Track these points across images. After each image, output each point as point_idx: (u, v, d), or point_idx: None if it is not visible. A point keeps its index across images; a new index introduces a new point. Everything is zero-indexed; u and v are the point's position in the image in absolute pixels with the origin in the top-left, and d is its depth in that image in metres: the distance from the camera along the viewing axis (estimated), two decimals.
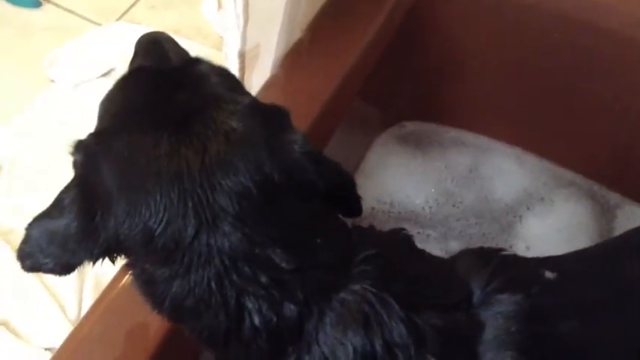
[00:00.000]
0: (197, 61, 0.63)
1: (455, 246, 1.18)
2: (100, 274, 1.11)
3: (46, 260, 0.56)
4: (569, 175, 1.28)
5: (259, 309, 0.54)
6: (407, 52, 1.21)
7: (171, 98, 0.57)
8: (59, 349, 0.71)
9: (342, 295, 0.56)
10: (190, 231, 0.52)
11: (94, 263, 0.56)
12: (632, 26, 1.05)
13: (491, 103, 1.28)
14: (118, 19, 1.58)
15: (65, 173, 1.32)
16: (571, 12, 1.08)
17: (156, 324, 0.70)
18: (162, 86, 0.58)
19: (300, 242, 0.56)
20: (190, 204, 0.52)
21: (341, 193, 0.63)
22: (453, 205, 1.23)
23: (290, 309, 0.54)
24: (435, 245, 1.17)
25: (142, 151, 0.53)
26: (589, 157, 1.24)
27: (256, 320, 0.54)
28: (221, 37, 1.51)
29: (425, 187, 1.24)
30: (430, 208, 1.22)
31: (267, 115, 0.58)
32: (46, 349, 1.05)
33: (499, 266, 0.64)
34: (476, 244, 1.18)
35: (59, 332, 1.06)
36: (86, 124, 1.35)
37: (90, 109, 1.44)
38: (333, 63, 1.02)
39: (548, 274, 0.65)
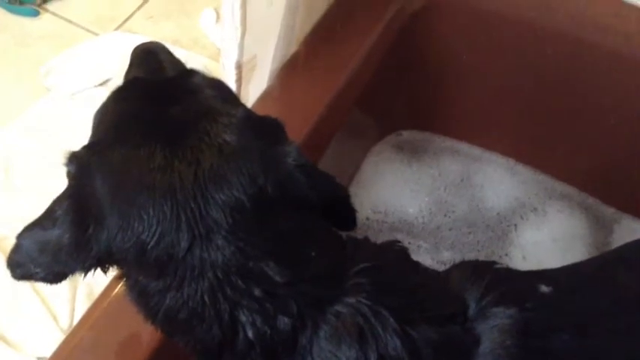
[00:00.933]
0: (191, 72, 0.63)
1: (448, 256, 1.19)
2: (93, 283, 1.11)
3: (37, 270, 0.56)
4: (562, 187, 1.29)
5: (253, 322, 0.54)
6: (404, 62, 1.22)
7: (165, 111, 0.57)
8: (50, 357, 0.70)
9: (337, 308, 0.56)
10: (184, 245, 0.52)
11: (85, 274, 0.56)
12: (626, 44, 1.06)
13: (486, 114, 1.29)
14: (116, 29, 1.58)
15: (60, 182, 1.32)
16: (566, 29, 1.09)
17: (148, 333, 0.70)
18: (157, 99, 0.59)
19: (294, 255, 0.56)
20: (184, 218, 0.52)
21: (335, 206, 0.63)
22: (445, 215, 1.23)
23: (284, 322, 0.54)
24: (427, 256, 1.18)
25: (135, 165, 0.53)
26: (583, 170, 1.25)
27: (250, 333, 0.54)
28: (218, 49, 1.52)
29: (419, 195, 1.25)
30: (423, 217, 1.23)
31: (261, 128, 0.58)
32: (38, 358, 1.05)
33: (494, 279, 0.64)
34: (470, 252, 1.19)
35: (51, 341, 1.05)
36: (82, 133, 1.35)
37: (86, 119, 1.44)
38: (330, 75, 1.03)
39: (544, 288, 0.65)
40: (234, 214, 0.52)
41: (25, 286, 1.10)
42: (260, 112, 0.85)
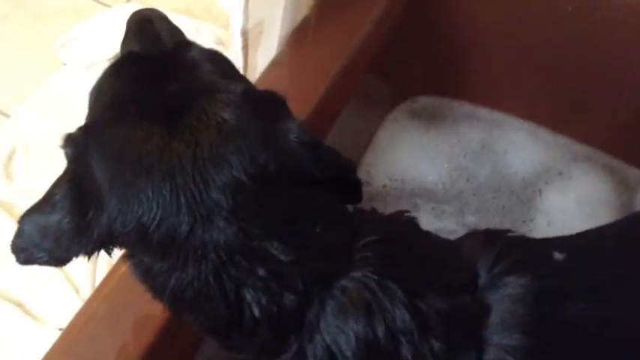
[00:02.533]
0: (188, 45, 0.62)
1: (473, 220, 1.17)
2: (113, 255, 1.12)
3: (41, 254, 0.56)
4: (585, 150, 1.25)
5: (259, 301, 0.53)
6: (418, 25, 1.18)
7: (163, 88, 0.56)
8: (66, 327, 0.71)
9: (343, 283, 0.55)
10: (185, 227, 0.51)
11: (89, 257, 0.56)
12: None
13: (505, 77, 1.25)
14: (129, 0, 1.57)
15: None
16: None
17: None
18: (153, 75, 0.57)
19: (298, 233, 0.55)
20: (183, 200, 0.51)
21: (340, 179, 0.62)
22: (467, 180, 1.21)
23: (290, 299, 0.54)
24: (452, 220, 1.16)
25: (132, 146, 0.52)
26: (607, 131, 1.21)
27: (256, 312, 0.53)
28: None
29: (438, 162, 1.23)
30: (444, 184, 1.21)
31: (261, 104, 0.57)
32: (60, 330, 1.07)
33: (506, 248, 0.62)
34: (494, 217, 1.17)
35: (72, 312, 1.07)
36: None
37: None
38: (341, 40, 1.00)
39: (557, 256, 0.63)
40: (235, 194, 0.52)
41: None
42: (270, 79, 0.83)
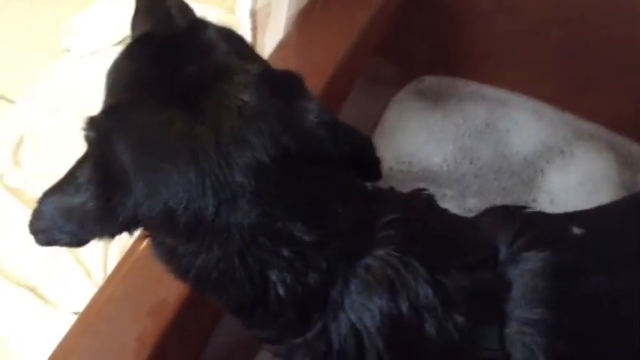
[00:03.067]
0: (203, 24, 0.61)
1: (474, 203, 1.17)
2: (126, 238, 1.13)
3: (62, 236, 0.56)
4: (589, 127, 1.25)
5: (283, 280, 0.54)
6: (423, 5, 1.18)
7: (181, 70, 0.56)
8: (83, 310, 0.72)
9: (366, 261, 0.56)
10: (210, 209, 0.52)
11: (111, 239, 0.56)
12: None
13: (510, 55, 1.25)
14: None
15: (83, 140, 1.33)
16: None
17: (180, 284, 0.71)
18: (171, 57, 0.57)
19: (321, 213, 0.55)
20: (209, 183, 0.51)
21: (359, 158, 0.62)
22: (471, 162, 1.22)
23: (314, 278, 0.54)
24: (453, 204, 1.16)
25: (156, 130, 0.53)
26: (610, 108, 1.22)
27: (281, 291, 0.54)
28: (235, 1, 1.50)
29: (443, 144, 1.23)
30: (448, 166, 1.21)
31: (279, 84, 0.57)
32: (73, 313, 1.08)
33: (525, 223, 0.63)
34: (495, 199, 1.17)
35: (86, 297, 1.08)
36: (102, 92, 1.35)
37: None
38: (348, 19, 1.00)
39: (576, 230, 0.64)
40: (258, 176, 0.52)
41: None
42: (278, 60, 0.83)
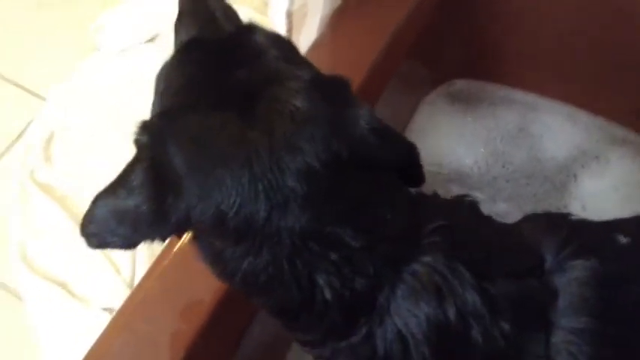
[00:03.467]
0: (252, 29, 0.61)
1: (504, 208, 1.16)
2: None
3: (114, 239, 0.56)
4: (623, 132, 1.23)
5: (331, 284, 0.54)
6: (456, 8, 1.17)
7: (233, 75, 0.56)
8: (119, 309, 0.72)
9: (413, 267, 0.56)
10: (262, 214, 0.52)
11: (162, 241, 0.57)
12: None
13: (543, 59, 1.23)
14: None
15: (114, 138, 1.34)
16: None
17: (216, 283, 0.71)
18: (222, 62, 0.57)
19: (369, 219, 0.55)
20: (261, 188, 0.52)
21: (403, 163, 0.62)
22: (503, 166, 1.20)
23: (361, 283, 0.54)
24: (483, 207, 1.15)
25: (209, 135, 0.53)
26: None
27: (328, 296, 0.54)
28: (262, 0, 1.49)
29: (475, 147, 1.22)
30: (479, 168, 1.20)
31: (329, 90, 0.57)
32: (103, 309, 1.08)
33: (571, 231, 0.62)
34: (527, 204, 1.16)
35: (114, 292, 1.09)
36: (132, 89, 1.37)
37: (136, 75, 1.45)
38: (382, 21, 0.99)
39: (622, 239, 0.63)
40: (309, 181, 0.52)
41: None
42: (312, 60, 0.83)
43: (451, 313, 0.54)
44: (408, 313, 0.55)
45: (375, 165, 0.57)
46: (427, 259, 0.56)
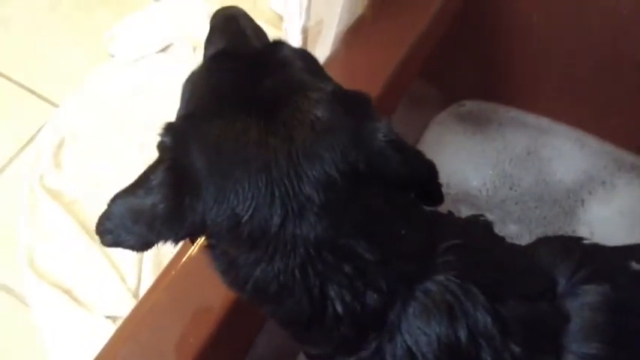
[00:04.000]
0: (279, 44, 0.63)
1: (515, 230, 1.16)
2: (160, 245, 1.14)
3: (128, 237, 0.56)
4: (631, 158, 1.23)
5: (342, 298, 0.54)
6: (468, 30, 1.18)
7: (258, 85, 0.57)
8: (126, 318, 0.72)
9: (426, 285, 0.56)
10: (276, 220, 0.52)
11: (176, 244, 0.57)
12: None
13: (552, 82, 1.24)
14: None
15: (124, 146, 1.34)
16: None
17: (223, 294, 0.71)
18: (249, 71, 0.59)
19: (385, 233, 0.55)
20: (277, 193, 0.52)
21: (421, 180, 0.62)
22: (511, 188, 1.20)
23: (374, 299, 0.54)
24: (494, 228, 1.15)
25: (231, 138, 0.53)
26: None
27: (339, 309, 0.54)
28: (276, 14, 1.50)
29: (483, 168, 1.22)
30: (487, 190, 1.20)
31: (350, 103, 0.57)
32: (107, 317, 1.08)
33: (584, 256, 0.62)
34: (537, 227, 1.16)
35: (119, 300, 1.09)
36: (144, 98, 1.37)
37: (147, 84, 1.46)
38: (395, 40, 1.00)
39: (635, 265, 0.63)
40: (327, 190, 0.52)
41: (95, 248, 1.13)
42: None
43: (462, 333, 0.54)
44: (419, 331, 0.54)
45: (392, 179, 0.57)
46: (440, 278, 0.56)
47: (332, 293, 0.53)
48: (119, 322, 0.72)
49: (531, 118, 1.28)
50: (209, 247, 0.59)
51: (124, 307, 1.02)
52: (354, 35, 0.99)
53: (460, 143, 1.25)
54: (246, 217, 0.52)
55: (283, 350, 0.93)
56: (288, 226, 0.52)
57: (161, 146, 0.56)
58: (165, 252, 1.11)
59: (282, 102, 0.55)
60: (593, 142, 1.25)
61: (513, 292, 0.57)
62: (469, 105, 1.31)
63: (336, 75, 0.96)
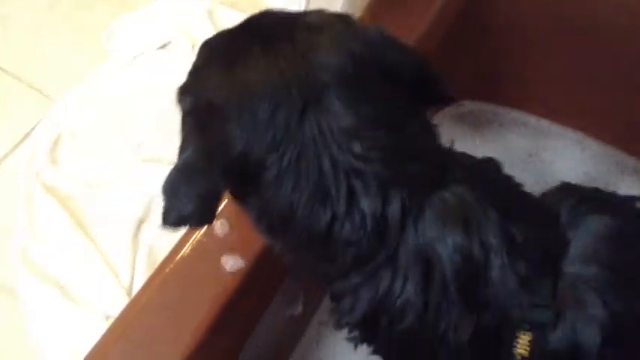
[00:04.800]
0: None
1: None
2: (152, 243, 1.13)
3: (179, 204, 0.56)
4: (633, 162, 1.22)
5: (367, 193, 0.54)
6: (469, 30, 1.17)
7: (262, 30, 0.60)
8: (118, 316, 0.71)
9: (444, 194, 0.56)
10: (296, 112, 0.53)
11: (223, 186, 0.57)
12: None
13: (555, 85, 1.22)
14: None
15: (121, 143, 1.33)
16: None
17: (215, 294, 0.70)
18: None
19: (399, 127, 0.57)
20: (294, 88, 0.54)
21: (420, 72, 0.63)
22: None
23: (396, 197, 0.54)
24: None
25: (240, 64, 0.56)
26: None
27: (365, 205, 0.54)
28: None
29: None
30: None
31: (343, 18, 0.62)
32: (100, 314, 1.07)
33: (588, 193, 0.64)
34: None
35: (112, 298, 1.08)
36: (142, 95, 1.36)
37: (146, 82, 1.45)
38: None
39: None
40: (341, 75, 0.55)
41: (88, 244, 1.13)
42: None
43: (475, 244, 0.55)
44: (434, 235, 0.55)
45: (397, 74, 0.59)
46: (458, 189, 0.56)
47: (358, 187, 0.54)
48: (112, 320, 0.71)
49: (532, 120, 1.26)
50: (242, 203, 0.61)
51: (118, 304, 1.01)
52: None
53: (459, 145, 1.23)
54: (266, 119, 0.53)
55: (278, 348, 0.92)
56: (309, 116, 0.54)
57: (180, 104, 0.59)
58: (158, 250, 1.11)
59: (282, 36, 0.58)
60: (594, 145, 1.23)
61: (522, 217, 0.58)
62: (469, 105, 1.29)
63: None
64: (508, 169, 1.19)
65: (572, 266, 0.58)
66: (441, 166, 0.58)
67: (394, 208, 0.54)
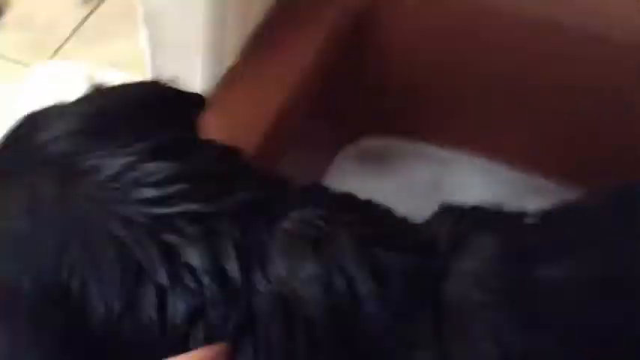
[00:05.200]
0: None
1: None
2: None
3: None
4: (538, 182, 1.21)
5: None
6: (358, 66, 1.14)
7: None
8: None
9: (283, 225, 0.50)
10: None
11: None
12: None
13: (454, 112, 1.20)
14: (51, 57, 1.48)
15: None
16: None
17: None
18: None
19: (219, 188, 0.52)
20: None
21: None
22: None
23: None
24: None
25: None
26: (558, 161, 1.17)
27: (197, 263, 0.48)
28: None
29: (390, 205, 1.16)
30: None
31: None
32: None
33: (468, 211, 0.58)
34: None
35: None
36: None
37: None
38: (272, 87, 0.93)
39: (529, 220, 0.58)
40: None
41: None
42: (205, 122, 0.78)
43: (335, 273, 0.48)
44: (285, 270, 0.48)
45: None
46: (300, 214, 0.51)
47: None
48: None
49: (433, 150, 1.24)
50: None
51: None
52: (226, 87, 0.92)
53: (363, 184, 1.18)
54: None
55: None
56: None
57: None
58: None
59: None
60: (497, 169, 1.22)
61: (384, 243, 0.51)
62: (368, 143, 1.25)
63: (212, 125, 0.89)
64: (415, 201, 1.15)
65: (454, 293, 0.51)
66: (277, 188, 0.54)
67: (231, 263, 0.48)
